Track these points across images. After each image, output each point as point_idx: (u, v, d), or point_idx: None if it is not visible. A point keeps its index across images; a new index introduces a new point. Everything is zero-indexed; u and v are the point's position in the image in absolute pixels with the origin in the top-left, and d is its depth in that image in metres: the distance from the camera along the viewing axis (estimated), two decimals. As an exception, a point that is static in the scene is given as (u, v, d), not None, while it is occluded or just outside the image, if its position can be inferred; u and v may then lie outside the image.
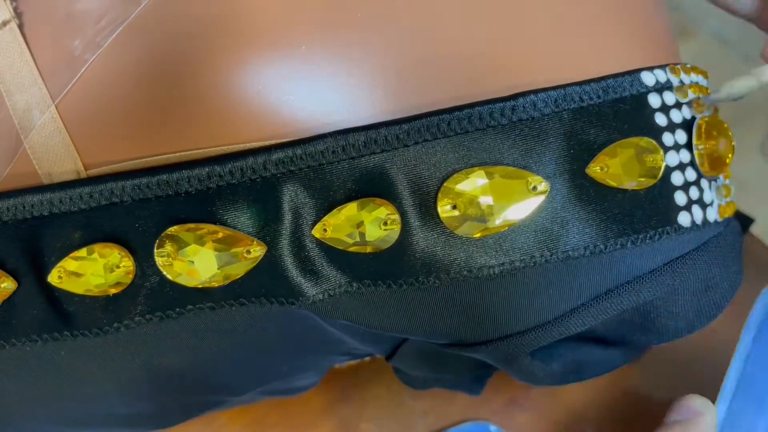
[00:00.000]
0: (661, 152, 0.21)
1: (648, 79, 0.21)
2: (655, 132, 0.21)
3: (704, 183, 0.22)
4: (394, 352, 0.25)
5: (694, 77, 0.23)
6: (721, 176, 0.23)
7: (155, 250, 0.20)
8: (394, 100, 0.20)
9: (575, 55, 0.21)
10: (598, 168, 0.20)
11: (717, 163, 0.22)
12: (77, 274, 0.20)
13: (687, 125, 0.22)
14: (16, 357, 0.21)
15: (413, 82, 0.20)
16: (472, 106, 0.20)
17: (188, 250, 0.20)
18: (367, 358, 0.28)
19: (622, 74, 0.21)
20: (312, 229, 0.20)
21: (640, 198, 0.21)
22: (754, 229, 0.35)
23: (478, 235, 0.20)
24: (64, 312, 0.21)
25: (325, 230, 0.20)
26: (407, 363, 0.26)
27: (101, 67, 0.20)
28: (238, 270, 0.20)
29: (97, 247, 0.20)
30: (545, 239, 0.20)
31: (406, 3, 0.21)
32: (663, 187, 0.21)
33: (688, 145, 0.22)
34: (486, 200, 0.20)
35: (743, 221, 0.27)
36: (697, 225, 0.22)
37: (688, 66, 0.23)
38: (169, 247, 0.20)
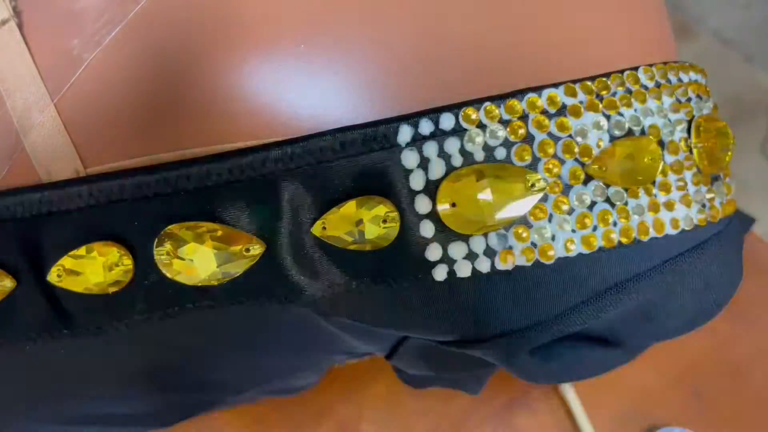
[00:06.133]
0: (660, 152, 0.21)
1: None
2: None
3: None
4: (394, 351, 0.25)
5: (693, 76, 0.23)
6: (721, 174, 0.23)
7: (154, 249, 0.20)
8: (393, 98, 0.20)
9: (574, 56, 0.21)
10: (596, 167, 0.20)
11: (716, 161, 0.22)
12: (76, 273, 0.20)
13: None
14: (16, 356, 0.21)
15: (413, 80, 0.20)
16: (468, 104, 0.20)
17: (187, 249, 0.20)
18: (367, 358, 0.28)
19: (622, 71, 0.21)
20: (311, 227, 0.20)
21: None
22: (755, 229, 0.35)
23: (477, 232, 0.20)
24: (63, 311, 0.21)
25: (324, 228, 0.20)
26: (407, 362, 0.26)
27: (100, 66, 0.20)
28: (237, 268, 0.20)
29: (96, 246, 0.20)
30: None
31: (407, 1, 0.21)
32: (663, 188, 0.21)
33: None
34: (485, 198, 0.19)
35: (744, 221, 0.27)
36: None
37: (687, 64, 0.23)
38: (168, 246, 0.20)
